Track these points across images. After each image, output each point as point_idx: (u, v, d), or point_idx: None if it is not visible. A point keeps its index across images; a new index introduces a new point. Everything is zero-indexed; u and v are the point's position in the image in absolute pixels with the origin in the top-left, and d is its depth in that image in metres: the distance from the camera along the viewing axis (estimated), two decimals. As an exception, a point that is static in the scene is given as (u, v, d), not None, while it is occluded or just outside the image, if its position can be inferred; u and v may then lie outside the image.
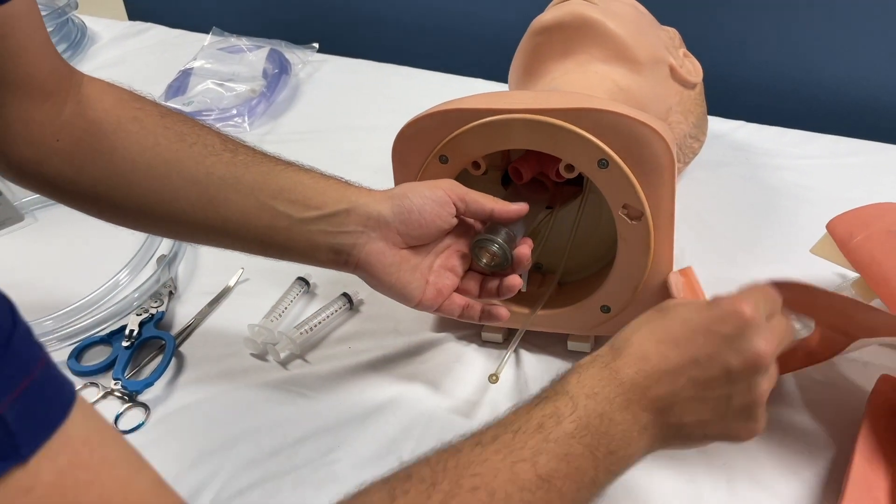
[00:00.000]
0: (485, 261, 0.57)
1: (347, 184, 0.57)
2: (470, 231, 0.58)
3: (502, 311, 0.58)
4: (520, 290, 0.58)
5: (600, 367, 0.44)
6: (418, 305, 0.56)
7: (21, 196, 0.84)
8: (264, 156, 0.57)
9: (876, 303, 0.62)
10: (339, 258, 0.55)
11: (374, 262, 0.55)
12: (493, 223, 0.57)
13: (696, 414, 0.43)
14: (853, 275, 0.66)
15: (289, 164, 0.57)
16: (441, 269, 0.57)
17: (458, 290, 0.58)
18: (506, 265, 0.56)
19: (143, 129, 0.56)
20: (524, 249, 0.56)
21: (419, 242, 0.56)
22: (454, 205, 0.55)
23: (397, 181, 0.63)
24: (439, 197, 0.54)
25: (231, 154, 0.56)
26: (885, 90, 0.95)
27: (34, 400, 0.29)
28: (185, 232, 0.58)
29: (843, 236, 0.61)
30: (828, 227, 0.62)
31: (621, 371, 0.43)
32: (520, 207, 0.56)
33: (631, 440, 0.42)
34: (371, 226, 0.54)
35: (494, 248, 0.55)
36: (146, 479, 0.33)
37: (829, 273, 0.71)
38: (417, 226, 0.54)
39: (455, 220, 0.56)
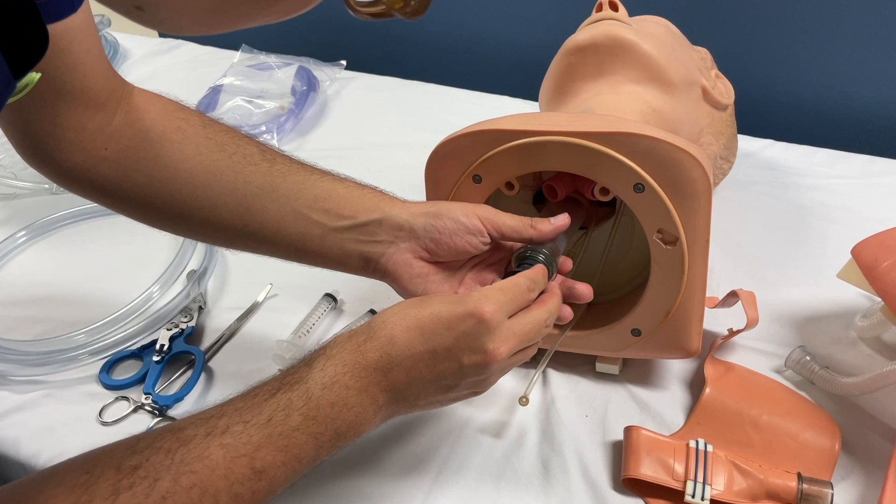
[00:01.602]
0: None
1: (381, 193, 0.58)
2: (504, 245, 0.58)
3: None
4: None
5: (351, 350, 0.47)
6: None
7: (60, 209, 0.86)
8: (301, 165, 0.59)
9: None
10: (369, 265, 0.57)
11: (400, 272, 0.56)
12: None
13: (428, 395, 0.48)
14: (881, 299, 0.65)
15: (324, 174, 0.59)
16: (472, 283, 0.57)
17: None
18: (550, 279, 0.56)
19: (185, 138, 0.57)
20: (566, 266, 0.57)
21: (447, 261, 0.57)
22: (489, 234, 0.55)
23: (429, 199, 0.63)
24: (474, 226, 0.55)
25: (269, 164, 0.58)
26: (919, 110, 0.94)
27: None
28: (223, 237, 0.60)
29: (867, 262, 0.60)
30: (853, 252, 0.61)
31: (367, 354, 0.47)
32: (559, 224, 0.55)
33: (364, 420, 0.47)
34: (401, 237, 0.55)
35: (540, 259, 0.54)
36: None
37: (856, 296, 0.71)
38: (446, 247, 0.55)
39: (486, 247, 0.56)
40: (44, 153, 0.56)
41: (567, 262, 0.58)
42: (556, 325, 0.64)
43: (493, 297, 0.48)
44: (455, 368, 0.47)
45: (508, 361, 0.49)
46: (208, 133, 0.58)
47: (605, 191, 0.57)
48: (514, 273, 0.54)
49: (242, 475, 0.42)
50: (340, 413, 0.46)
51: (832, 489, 0.54)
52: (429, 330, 0.47)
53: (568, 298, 0.58)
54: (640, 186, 0.54)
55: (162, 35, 1.30)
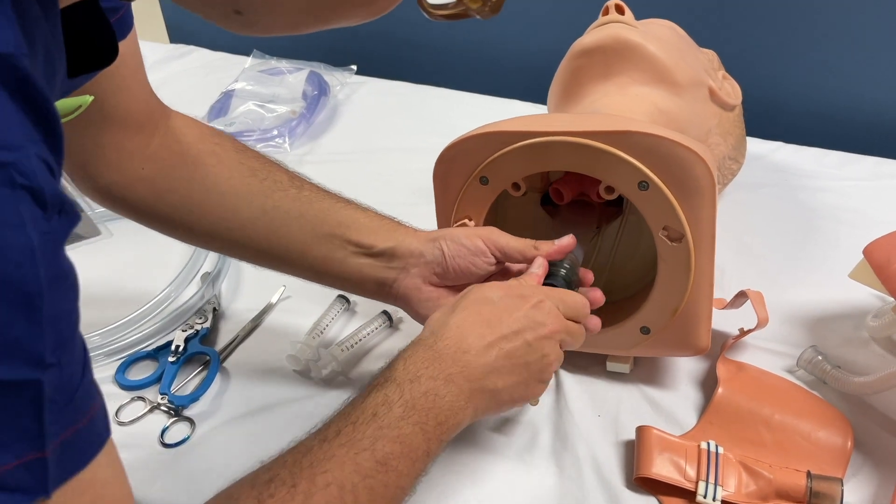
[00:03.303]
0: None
1: (398, 224, 0.61)
2: (513, 267, 0.59)
3: None
4: None
5: (424, 349, 0.50)
6: None
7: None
8: (326, 193, 0.62)
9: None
10: (382, 290, 0.60)
11: (410, 296, 0.59)
12: None
13: (506, 379, 0.50)
14: (893, 299, 0.65)
15: (348, 202, 0.62)
16: None
17: None
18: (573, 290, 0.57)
19: (219, 162, 0.60)
20: (588, 279, 0.59)
21: (457, 283, 0.59)
22: (492, 255, 0.57)
23: (438, 202, 0.64)
24: (476, 247, 0.57)
25: (297, 190, 0.60)
26: (929, 111, 0.94)
27: (74, 444, 0.30)
28: (249, 256, 0.62)
29: (880, 262, 0.60)
30: (864, 252, 0.62)
31: (443, 351, 0.49)
32: (562, 245, 0.57)
33: (458, 408, 0.48)
34: (412, 263, 0.58)
35: (562, 273, 0.56)
36: None
37: (868, 296, 0.71)
38: (452, 270, 0.58)
39: (493, 268, 0.58)
40: (84, 171, 0.58)
41: (588, 275, 0.60)
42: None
43: (543, 291, 0.54)
44: (523, 347, 0.51)
45: (565, 335, 0.53)
46: (241, 158, 0.61)
47: (610, 189, 0.58)
48: None
49: (370, 468, 0.44)
50: (435, 402, 0.47)
51: (842, 485, 0.54)
52: (494, 320, 0.51)
53: None
54: (644, 184, 0.55)
55: (174, 41, 1.32)
